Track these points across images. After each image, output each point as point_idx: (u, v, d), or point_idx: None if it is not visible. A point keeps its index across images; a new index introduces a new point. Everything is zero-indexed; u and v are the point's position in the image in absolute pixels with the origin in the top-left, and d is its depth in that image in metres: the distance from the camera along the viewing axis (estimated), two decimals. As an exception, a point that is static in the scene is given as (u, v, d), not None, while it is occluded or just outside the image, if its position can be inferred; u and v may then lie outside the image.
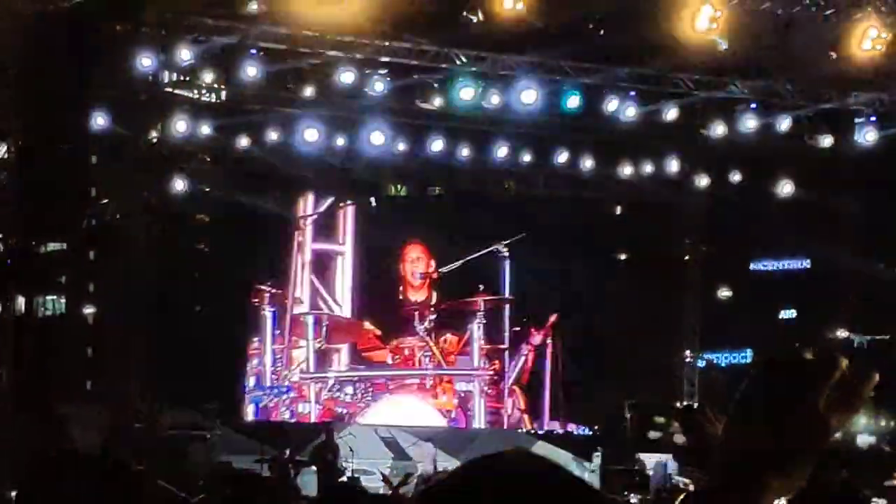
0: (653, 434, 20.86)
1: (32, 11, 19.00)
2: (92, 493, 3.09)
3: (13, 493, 7.55)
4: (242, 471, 15.25)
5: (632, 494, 19.67)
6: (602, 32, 18.47)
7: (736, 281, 25.41)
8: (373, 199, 22.20)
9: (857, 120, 20.75)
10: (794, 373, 1.57)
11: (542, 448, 22.09)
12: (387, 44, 19.14)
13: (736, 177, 22.19)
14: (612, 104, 19.67)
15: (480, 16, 17.81)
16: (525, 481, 1.55)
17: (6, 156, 20.84)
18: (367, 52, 19.39)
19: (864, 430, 21.50)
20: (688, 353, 24.32)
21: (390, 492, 18.10)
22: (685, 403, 25.55)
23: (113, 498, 3.08)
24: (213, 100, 21.35)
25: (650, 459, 20.22)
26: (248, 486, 8.22)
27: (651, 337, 22.68)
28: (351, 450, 20.51)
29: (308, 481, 18.76)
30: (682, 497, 1.67)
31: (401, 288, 22.86)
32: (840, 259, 22.81)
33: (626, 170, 21.84)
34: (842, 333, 23.24)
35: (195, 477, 18.08)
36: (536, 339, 23.18)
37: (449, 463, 20.72)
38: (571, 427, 23.75)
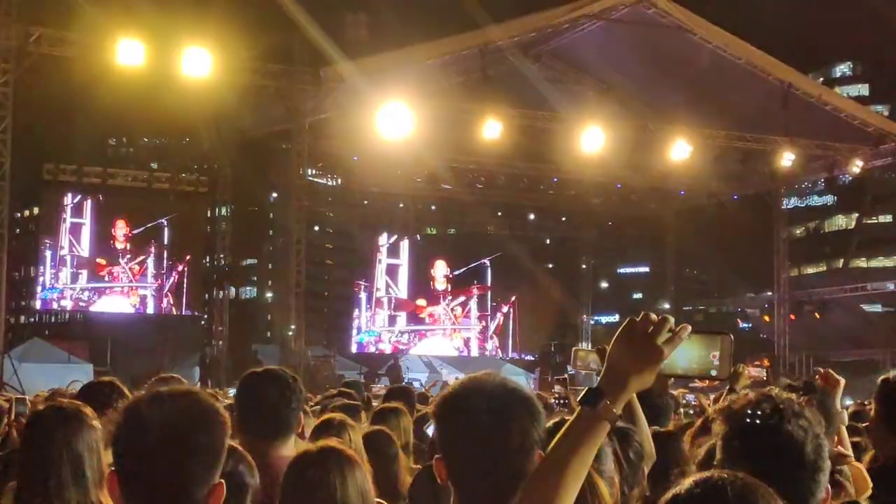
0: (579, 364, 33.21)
1: (240, 138, 29.61)
2: (283, 391, 4.26)
3: (231, 392, 12.50)
4: (350, 379, 23.02)
5: (557, 387, 24.16)
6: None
7: (612, 278, 41.61)
8: (418, 236, 38.36)
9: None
10: (640, 326, 2.36)
11: (507, 368, 34.85)
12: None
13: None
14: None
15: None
16: (490, 387, 2.60)
17: (227, 213, 32.18)
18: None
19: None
20: (584, 316, 39.66)
21: (425, 390, 21.44)
22: (600, 347, 38.22)
23: (290, 393, 4.27)
24: (335, 184, 35.12)
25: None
26: (353, 387, 11.61)
27: (566, 307, 38.60)
28: (407, 368, 31.30)
29: (383, 383, 26.43)
30: (587, 389, 2.36)
31: (432, 282, 37.97)
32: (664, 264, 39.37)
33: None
34: (666, 305, 39.70)
35: (323, 385, 24.31)
36: (504, 309, 38.32)
37: (457, 375, 28.61)
38: (522, 355, 38.90)
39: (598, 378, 2.46)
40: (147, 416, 2.45)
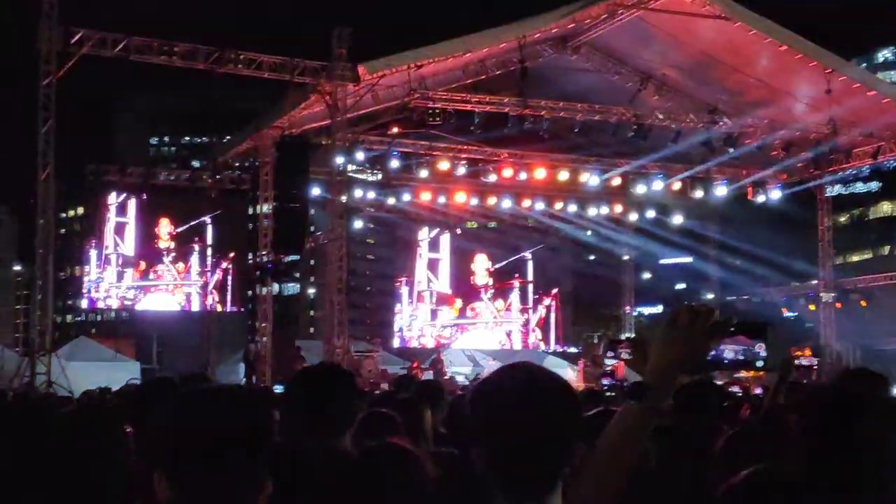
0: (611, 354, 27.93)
1: (279, 136, 28.82)
2: (334, 386, 4.22)
3: (277, 388, 17.10)
4: (394, 373, 26.54)
5: (604, 381, 25.31)
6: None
7: (655, 268, 41.52)
8: (458, 229, 38.26)
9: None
10: (685, 318, 2.36)
11: (550, 360, 34.56)
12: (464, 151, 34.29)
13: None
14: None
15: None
16: (528, 375, 2.53)
17: (270, 210, 30.28)
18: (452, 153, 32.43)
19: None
20: (627, 307, 39.13)
21: (468, 383, 24.52)
22: (635, 336, 36.98)
23: (348, 389, 4.27)
24: (375, 179, 32.84)
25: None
26: (398, 381, 12.09)
27: (606, 298, 38.45)
28: (450, 362, 32.19)
29: (427, 377, 25.66)
30: (633, 383, 2.40)
31: (473, 276, 38.20)
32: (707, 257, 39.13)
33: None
34: (709, 296, 39.48)
35: (366, 379, 26.90)
36: (546, 302, 38.33)
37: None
38: (565, 348, 39.08)
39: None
40: (213, 415, 2.45)
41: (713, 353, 2.40)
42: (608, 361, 28.07)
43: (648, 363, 2.40)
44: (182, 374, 7.78)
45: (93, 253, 31.74)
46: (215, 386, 2.66)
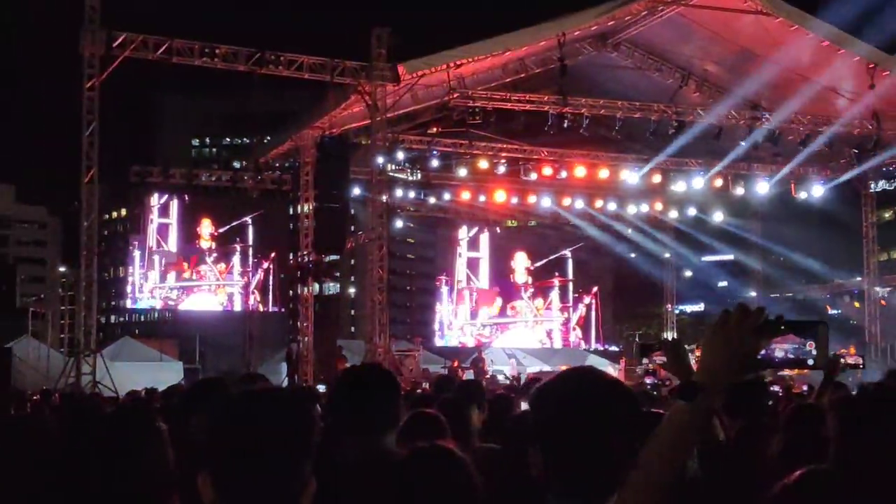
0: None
1: (319, 137, 28.93)
2: (376, 386, 4.16)
3: (321, 388, 17.75)
4: (435, 373, 26.86)
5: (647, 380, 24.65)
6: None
7: (697, 266, 41.43)
8: (498, 228, 38.47)
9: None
10: (735, 318, 2.35)
11: (591, 359, 35.55)
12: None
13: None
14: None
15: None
16: (592, 380, 2.61)
17: (310, 210, 30.23)
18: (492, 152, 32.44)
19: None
20: (668, 305, 39.01)
21: (509, 382, 25.42)
22: (666, 338, 37.30)
23: (390, 389, 4.19)
24: (415, 178, 32.74)
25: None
26: (438, 381, 11.40)
27: (648, 298, 38.41)
28: (491, 360, 31.98)
29: (468, 376, 26.64)
30: (683, 383, 2.38)
31: (513, 275, 38.27)
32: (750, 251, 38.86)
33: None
34: (752, 293, 39.24)
35: (407, 378, 26.97)
36: (586, 300, 38.29)
37: (540, 366, 31.70)
38: (606, 346, 38.98)
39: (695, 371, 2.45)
40: (256, 417, 2.46)
41: (763, 352, 2.37)
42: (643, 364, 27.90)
43: (699, 363, 2.39)
44: (234, 373, 7.82)
45: (136, 254, 32.04)
46: (258, 387, 2.64)
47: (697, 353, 2.44)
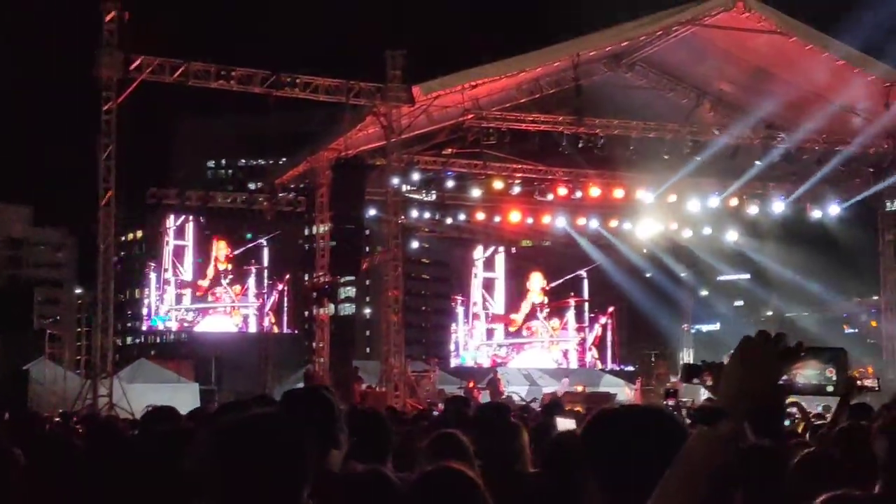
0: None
1: (335, 158, 29.12)
2: (312, 406, 4.23)
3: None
4: (451, 393, 26.93)
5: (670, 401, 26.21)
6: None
7: (712, 285, 41.30)
8: (513, 248, 38.29)
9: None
10: (757, 343, 2.37)
11: (607, 379, 36.26)
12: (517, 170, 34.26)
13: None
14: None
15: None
16: (654, 417, 2.68)
17: (326, 231, 30.62)
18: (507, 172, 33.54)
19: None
20: (684, 325, 39.15)
21: (524, 403, 23.36)
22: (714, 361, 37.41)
23: (325, 410, 4.26)
24: (430, 199, 32.72)
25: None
26: (456, 401, 12.83)
27: (664, 316, 38.17)
28: (507, 381, 32.08)
29: (484, 398, 28.02)
30: (703, 407, 2.66)
31: (528, 295, 37.76)
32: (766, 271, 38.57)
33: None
34: (768, 313, 39.14)
35: (423, 398, 28.11)
36: (602, 320, 37.85)
37: (556, 386, 31.82)
38: (622, 367, 38.27)
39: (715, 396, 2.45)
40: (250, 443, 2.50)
41: (784, 377, 2.41)
42: (671, 381, 27.89)
43: (720, 389, 2.40)
44: (250, 394, 7.86)
45: (152, 276, 32.03)
46: (253, 413, 2.64)
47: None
